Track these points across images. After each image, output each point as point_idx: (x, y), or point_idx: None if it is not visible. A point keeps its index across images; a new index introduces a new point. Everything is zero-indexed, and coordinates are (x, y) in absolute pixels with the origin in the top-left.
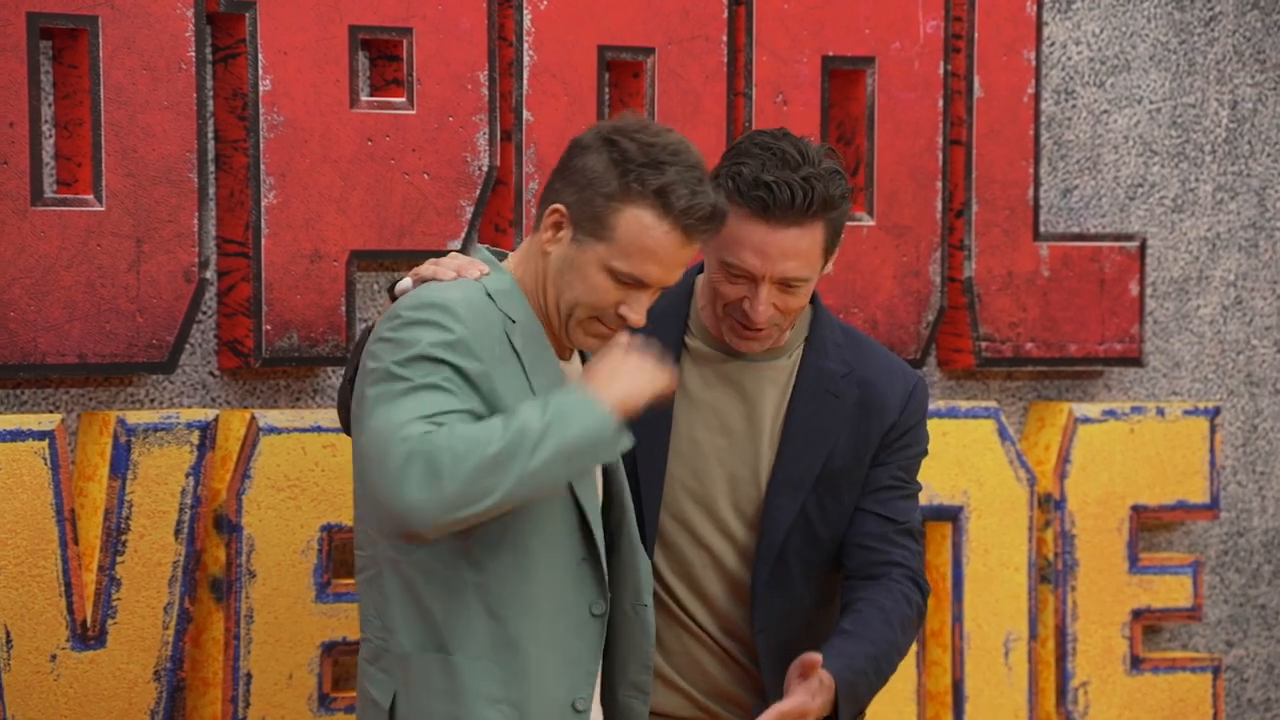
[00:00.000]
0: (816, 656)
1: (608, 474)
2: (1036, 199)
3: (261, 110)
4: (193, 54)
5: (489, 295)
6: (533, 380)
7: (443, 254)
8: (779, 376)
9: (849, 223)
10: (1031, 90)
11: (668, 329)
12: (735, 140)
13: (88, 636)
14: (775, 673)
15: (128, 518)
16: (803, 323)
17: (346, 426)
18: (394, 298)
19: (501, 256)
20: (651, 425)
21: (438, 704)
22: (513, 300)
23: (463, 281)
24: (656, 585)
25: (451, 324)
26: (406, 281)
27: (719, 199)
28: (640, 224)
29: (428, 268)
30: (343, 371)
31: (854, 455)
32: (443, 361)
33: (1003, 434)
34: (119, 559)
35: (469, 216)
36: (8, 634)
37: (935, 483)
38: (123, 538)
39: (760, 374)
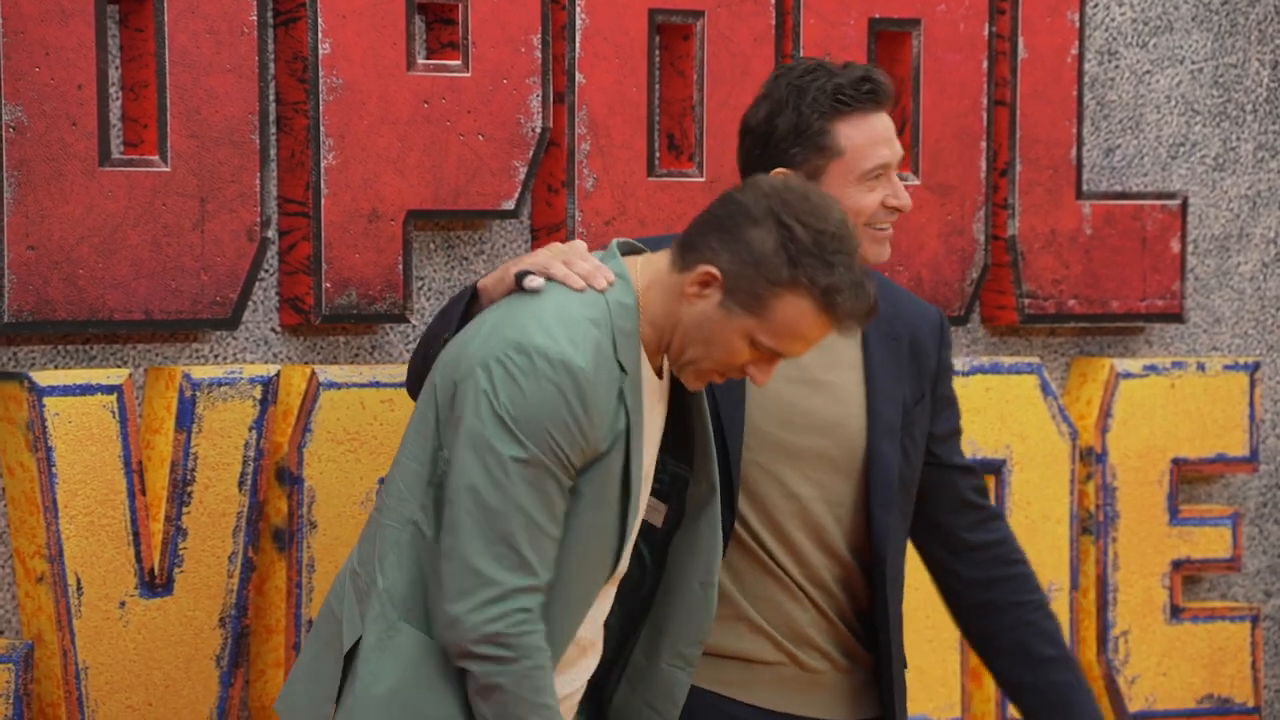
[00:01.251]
0: None
1: (695, 452)
2: (1079, 158)
3: (321, 73)
4: (254, 18)
5: (613, 337)
6: (631, 434)
7: (497, 215)
8: None
9: None
10: (1075, 51)
11: None
12: (772, 81)
13: (155, 584)
14: (893, 600)
15: (193, 470)
16: None
17: (412, 390)
18: (521, 287)
19: (637, 250)
20: (728, 388)
21: (405, 674)
22: (628, 325)
23: (591, 308)
24: (743, 532)
25: (575, 403)
26: (539, 281)
27: (874, 293)
28: (799, 312)
29: (559, 267)
30: (401, 329)
31: (918, 395)
32: (555, 460)
33: (1045, 389)
34: (185, 510)
35: (522, 177)
36: (79, 581)
37: (979, 437)
38: (188, 489)
39: None
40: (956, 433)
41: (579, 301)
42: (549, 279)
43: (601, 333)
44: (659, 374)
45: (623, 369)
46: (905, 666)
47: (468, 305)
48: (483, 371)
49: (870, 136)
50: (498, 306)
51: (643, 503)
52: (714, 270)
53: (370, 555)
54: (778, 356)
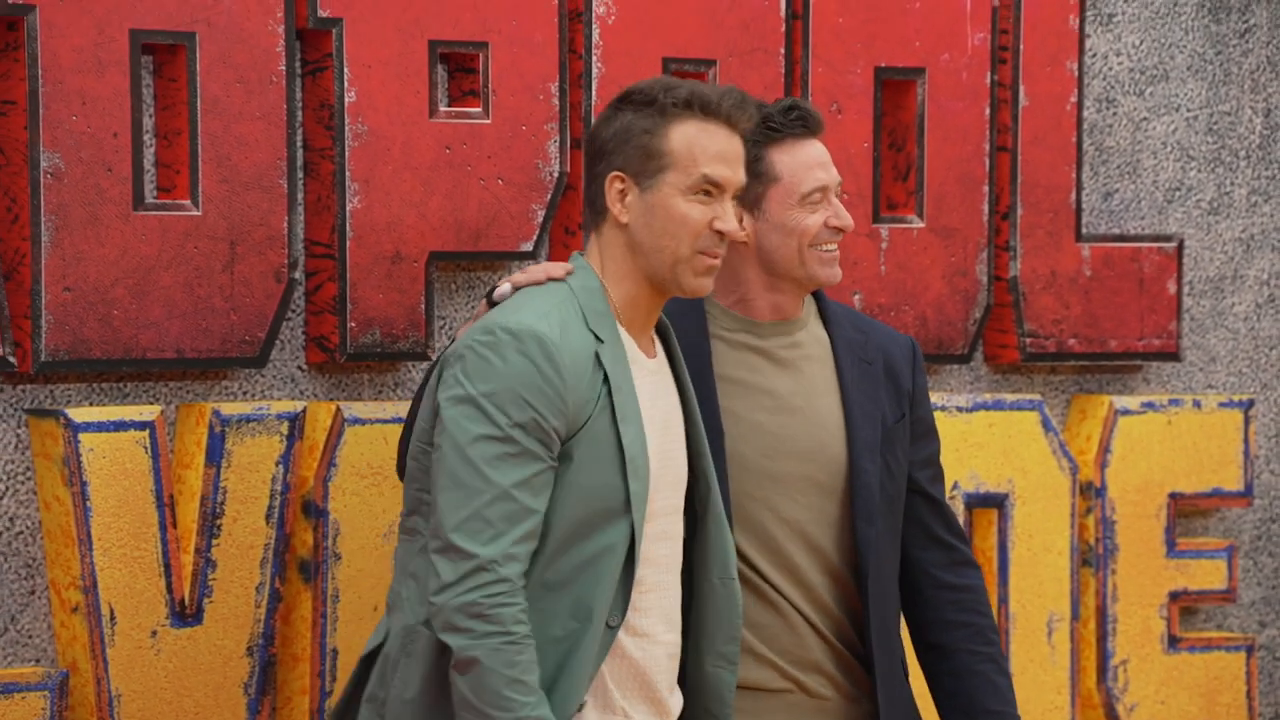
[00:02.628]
0: None
1: (693, 453)
2: (1079, 202)
3: (347, 120)
4: (283, 68)
5: (581, 312)
6: (615, 397)
7: (516, 257)
8: (814, 352)
9: (901, 225)
10: (1074, 99)
11: (689, 329)
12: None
13: (186, 614)
14: (879, 617)
15: (222, 503)
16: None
17: (402, 470)
18: (491, 304)
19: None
20: (706, 416)
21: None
22: (597, 304)
23: (555, 292)
24: (740, 564)
25: (547, 367)
26: (506, 287)
27: (741, 90)
28: (690, 134)
29: (519, 276)
30: (423, 367)
31: (897, 413)
32: (536, 430)
33: (1046, 425)
34: (214, 542)
35: (540, 220)
36: (112, 611)
37: (982, 471)
38: (218, 522)
39: (796, 353)
40: (933, 462)
41: (543, 291)
42: (515, 288)
43: (568, 309)
44: (651, 353)
45: (598, 338)
46: (907, 674)
47: None
48: (456, 360)
49: (804, 160)
50: None
51: (665, 470)
52: (612, 174)
53: (398, 572)
54: (720, 190)
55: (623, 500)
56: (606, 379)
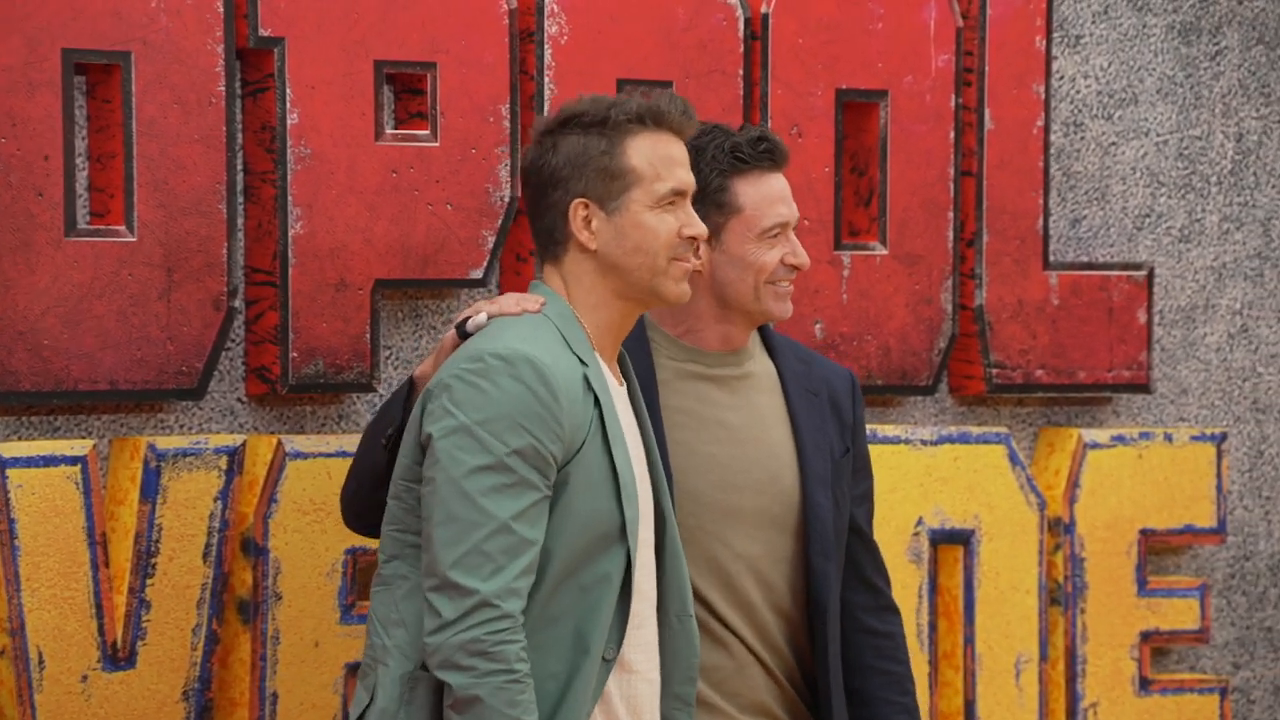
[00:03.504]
0: None
1: (653, 485)
2: (1046, 229)
3: (289, 143)
4: (223, 89)
5: (563, 338)
6: (606, 419)
7: (466, 284)
8: (762, 384)
9: (864, 252)
10: (1041, 123)
11: (636, 360)
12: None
13: (118, 657)
14: (833, 655)
15: (157, 541)
16: None
17: (347, 518)
18: (463, 335)
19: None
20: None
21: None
22: (574, 333)
23: (533, 319)
24: (694, 601)
25: (542, 391)
26: (481, 316)
27: (676, 94)
28: (645, 147)
29: (490, 306)
30: (368, 399)
31: (843, 447)
32: (534, 457)
33: (1013, 459)
34: (149, 581)
35: (490, 246)
36: (40, 655)
37: (947, 507)
38: (152, 561)
39: (746, 384)
40: (868, 498)
41: (521, 321)
42: (489, 317)
43: (551, 335)
44: (620, 380)
45: (582, 362)
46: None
47: (407, 397)
48: (443, 391)
49: (768, 194)
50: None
51: (643, 499)
52: (575, 201)
53: (372, 627)
54: (680, 195)
55: (618, 526)
56: (598, 402)
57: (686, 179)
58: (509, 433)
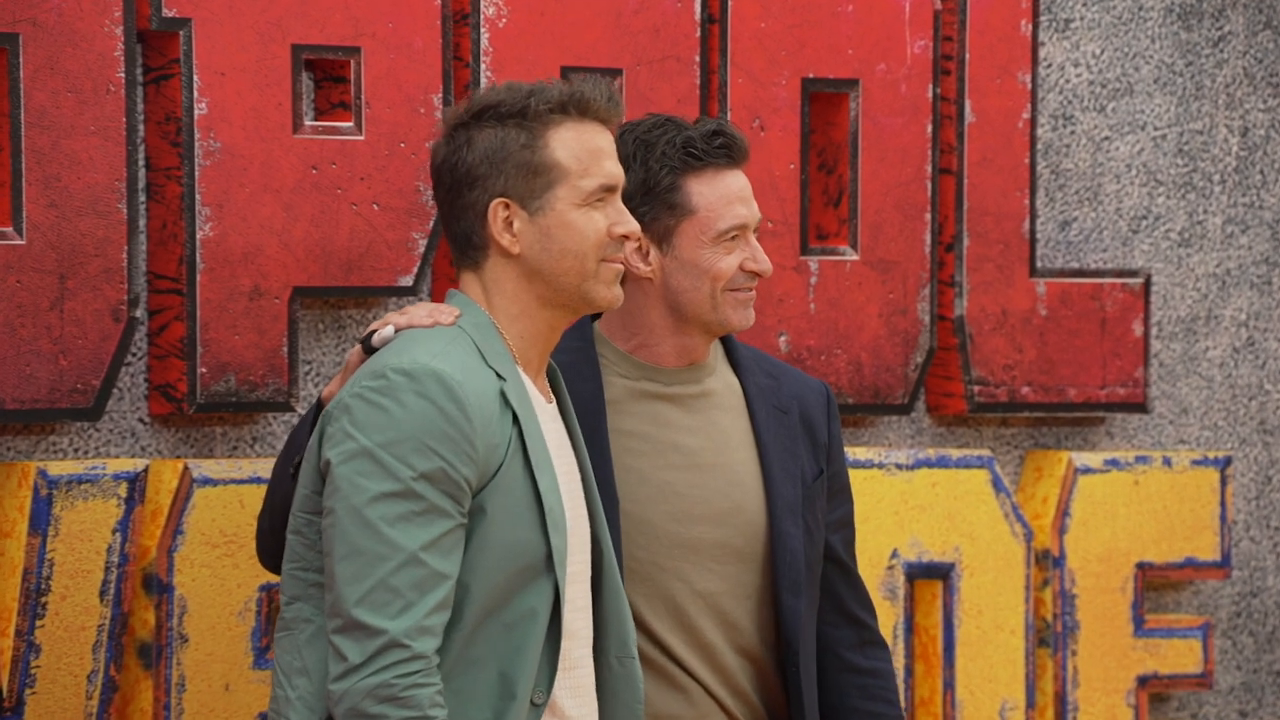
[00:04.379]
0: None
1: (589, 514)
2: (1033, 232)
3: (197, 135)
4: (122, 75)
5: (479, 351)
6: (527, 438)
7: (394, 292)
8: (725, 401)
9: (833, 257)
10: (1027, 115)
11: (582, 378)
12: (619, 138)
13: (3, 707)
14: (809, 702)
15: (48, 578)
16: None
17: (264, 558)
18: (369, 350)
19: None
20: (597, 481)
21: None
22: (493, 343)
23: (444, 331)
24: (646, 643)
25: (452, 408)
26: (388, 330)
27: (601, 80)
28: (569, 139)
29: (399, 318)
30: (285, 419)
31: (815, 470)
32: (444, 482)
33: (997, 485)
34: (39, 623)
35: (422, 251)
36: None
37: (925, 538)
38: (43, 599)
39: (706, 402)
40: (847, 524)
41: (432, 333)
42: (397, 330)
43: (464, 348)
44: (548, 396)
45: (500, 376)
46: None
47: (314, 421)
48: (343, 412)
49: (724, 194)
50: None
51: (576, 527)
52: (495, 201)
53: (276, 678)
54: (609, 191)
55: (544, 557)
56: (516, 420)
57: (615, 172)
58: (415, 455)
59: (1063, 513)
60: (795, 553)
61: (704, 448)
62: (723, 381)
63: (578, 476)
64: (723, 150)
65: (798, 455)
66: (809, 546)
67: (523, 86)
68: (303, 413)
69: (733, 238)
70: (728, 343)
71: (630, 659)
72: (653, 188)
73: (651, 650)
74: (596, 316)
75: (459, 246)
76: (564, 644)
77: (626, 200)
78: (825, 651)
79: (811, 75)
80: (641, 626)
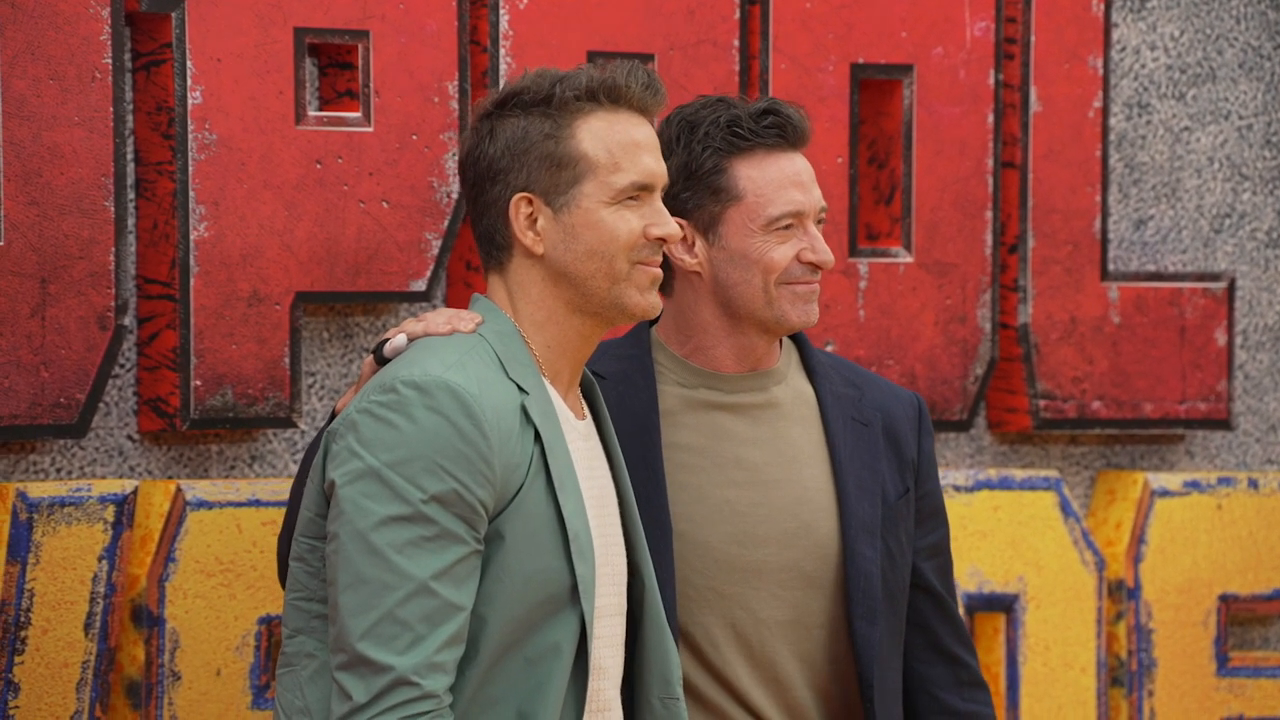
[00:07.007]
0: None
1: (629, 544)
2: (1104, 232)
3: (190, 127)
4: (109, 61)
5: (499, 361)
6: (549, 456)
7: (405, 298)
8: (795, 411)
9: (884, 259)
10: (1098, 104)
11: (635, 389)
12: (664, 122)
13: None
14: None
15: (28, 610)
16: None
17: (284, 580)
18: (381, 360)
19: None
20: (647, 500)
21: None
22: (516, 352)
23: (462, 340)
24: (702, 678)
25: (467, 425)
26: (400, 338)
27: (641, 65)
28: (599, 129)
29: (415, 325)
30: (287, 436)
31: (900, 488)
32: (458, 504)
33: (1065, 509)
34: (18, 659)
35: (435, 252)
36: None
37: (986, 567)
38: (22, 634)
39: (772, 412)
40: (941, 550)
41: (447, 340)
42: (411, 339)
43: (483, 359)
44: (580, 413)
45: (521, 389)
46: None
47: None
48: (348, 429)
49: (776, 178)
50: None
51: (608, 555)
52: (516, 197)
53: (278, 718)
54: (644, 190)
55: (568, 587)
56: (538, 437)
57: (652, 168)
58: (426, 476)
59: (1138, 540)
60: (871, 576)
61: (769, 462)
62: (793, 390)
63: (614, 501)
64: (773, 130)
65: (878, 471)
66: (889, 571)
67: (552, 73)
68: (305, 429)
69: (787, 226)
70: (804, 348)
71: (674, 700)
72: (695, 171)
73: (708, 687)
74: (654, 321)
75: (484, 246)
76: (592, 683)
77: (669, 186)
78: (919, 691)
79: (861, 60)
80: (700, 659)
